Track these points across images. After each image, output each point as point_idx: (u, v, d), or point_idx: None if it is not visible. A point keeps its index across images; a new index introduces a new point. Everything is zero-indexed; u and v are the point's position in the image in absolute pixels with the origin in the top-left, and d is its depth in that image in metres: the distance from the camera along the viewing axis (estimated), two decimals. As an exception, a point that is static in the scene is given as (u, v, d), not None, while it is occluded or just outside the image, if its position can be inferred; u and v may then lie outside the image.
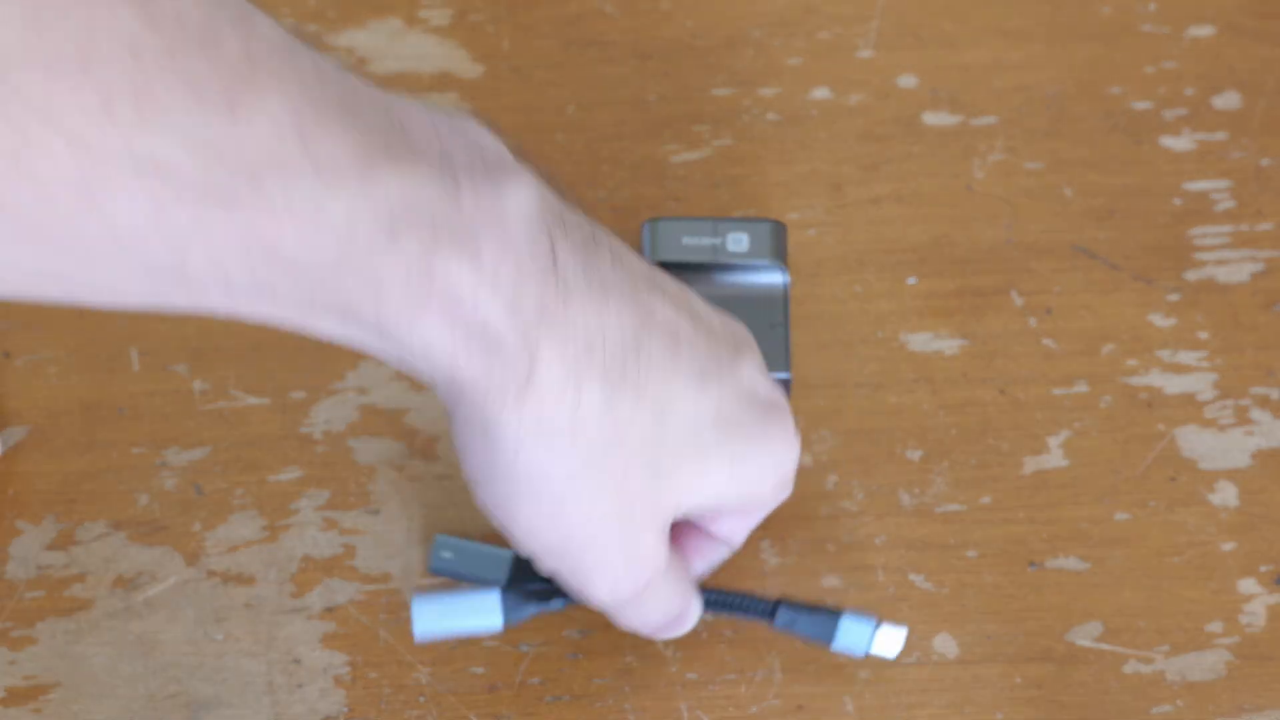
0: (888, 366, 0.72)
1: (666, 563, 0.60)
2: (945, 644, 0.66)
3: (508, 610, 0.63)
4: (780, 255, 0.70)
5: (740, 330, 0.61)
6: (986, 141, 0.77)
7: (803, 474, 0.69)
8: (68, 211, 0.45)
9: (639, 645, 0.66)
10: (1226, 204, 0.75)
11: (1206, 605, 0.67)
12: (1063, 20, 0.80)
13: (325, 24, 0.79)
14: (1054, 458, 0.70)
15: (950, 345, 0.72)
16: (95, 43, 0.43)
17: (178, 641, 0.66)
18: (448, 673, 0.66)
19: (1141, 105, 0.77)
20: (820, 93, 0.78)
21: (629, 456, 0.56)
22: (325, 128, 0.47)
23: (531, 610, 0.63)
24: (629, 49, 0.79)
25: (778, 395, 0.61)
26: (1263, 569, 0.68)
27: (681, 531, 0.63)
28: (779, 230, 0.71)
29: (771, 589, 0.67)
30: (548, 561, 0.58)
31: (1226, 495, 0.69)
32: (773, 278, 0.70)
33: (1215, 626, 0.66)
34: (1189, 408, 0.71)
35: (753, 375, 0.60)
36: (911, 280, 0.74)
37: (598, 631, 0.66)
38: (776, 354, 0.68)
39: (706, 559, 0.64)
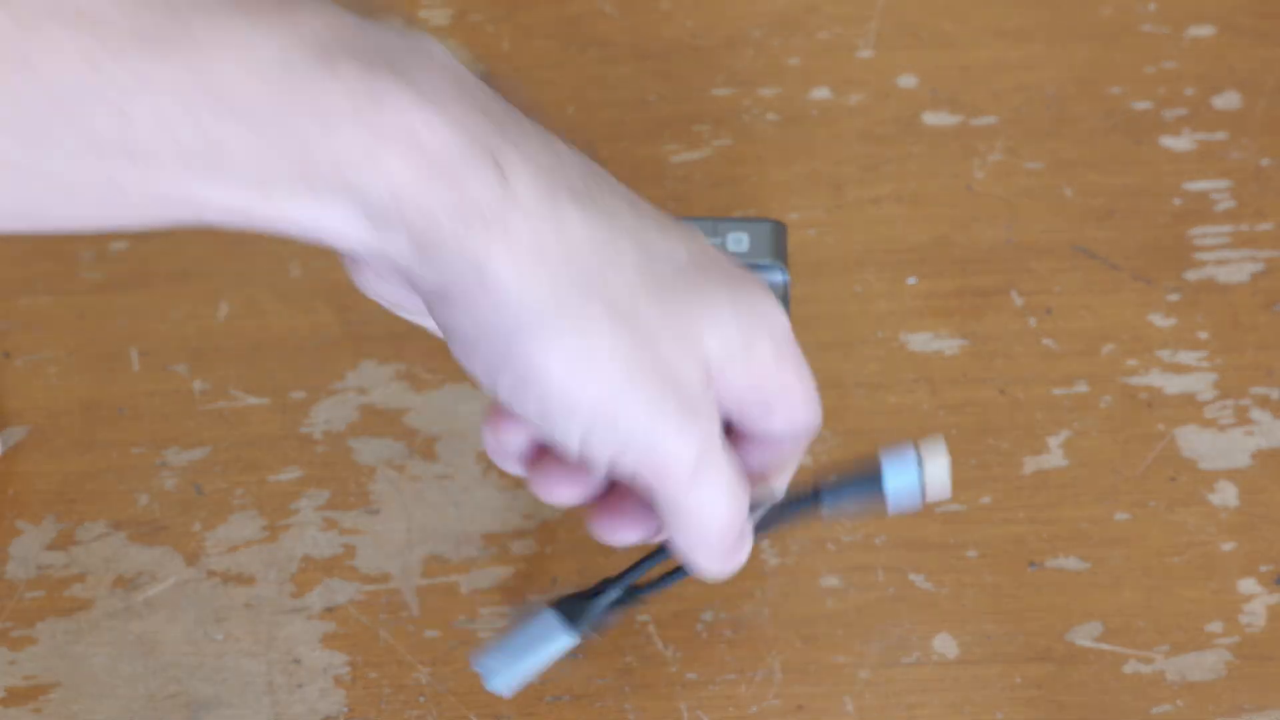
0: (888, 366, 0.72)
1: (720, 427, 0.55)
2: (945, 644, 0.66)
3: (571, 620, 0.58)
4: (780, 255, 0.70)
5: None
6: (986, 141, 0.77)
7: (803, 474, 0.69)
8: (6, 81, 0.45)
9: (639, 645, 0.66)
10: (1226, 204, 0.75)
11: (1206, 605, 0.67)
12: (1063, 20, 0.80)
13: (325, 24, 0.79)
14: (1054, 458, 0.70)
15: (950, 345, 0.72)
16: None
17: (178, 641, 0.66)
18: (448, 673, 0.66)
19: (1141, 105, 0.77)
20: (820, 93, 0.78)
21: (631, 284, 0.53)
22: None
23: (596, 611, 0.58)
24: (629, 49, 0.79)
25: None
26: (1263, 569, 0.68)
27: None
28: (779, 230, 0.71)
29: (771, 588, 0.67)
30: (591, 428, 0.52)
31: (1226, 495, 0.69)
32: (773, 278, 0.70)
33: (1215, 626, 0.66)
34: (1189, 408, 0.71)
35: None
36: (911, 280, 0.74)
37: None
38: (776, 354, 0.68)
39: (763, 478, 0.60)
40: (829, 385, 0.71)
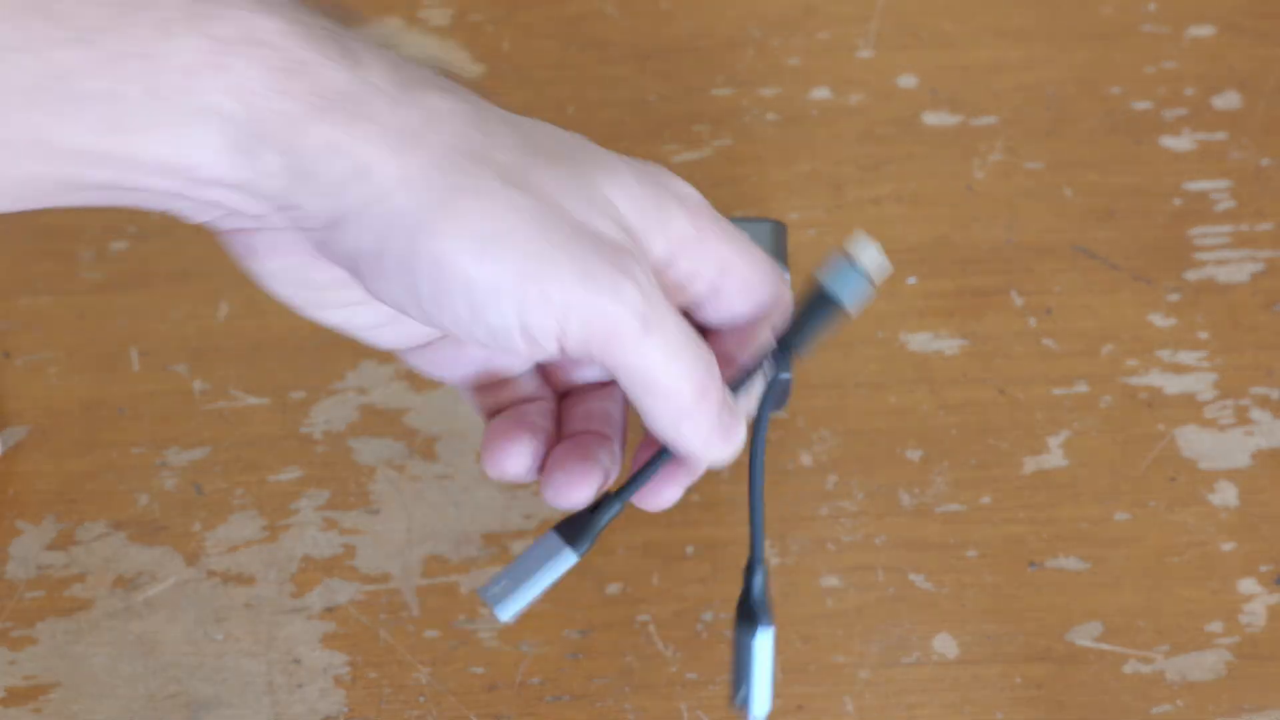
0: (888, 366, 0.72)
1: (656, 285, 0.52)
2: (945, 644, 0.66)
3: (570, 540, 0.56)
4: (780, 255, 0.70)
5: None
6: (986, 141, 0.77)
7: (803, 474, 0.69)
8: None
9: (639, 645, 0.66)
10: (1226, 204, 0.75)
11: (1206, 605, 0.67)
12: (1063, 20, 0.80)
13: (325, 24, 0.79)
14: (1054, 458, 0.70)
15: (950, 345, 0.72)
16: None
17: (178, 641, 0.66)
18: (448, 673, 0.66)
19: (1141, 105, 0.78)
20: (820, 93, 0.78)
21: (518, 157, 0.51)
22: None
23: (596, 524, 0.56)
24: (629, 49, 0.79)
25: None
26: (1263, 569, 0.68)
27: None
28: (779, 230, 0.71)
29: (771, 588, 0.67)
30: (524, 306, 0.50)
31: (1226, 495, 0.69)
32: (773, 278, 0.70)
33: (1215, 626, 0.66)
34: (1189, 408, 0.71)
35: None
36: (911, 280, 0.74)
37: (597, 631, 0.66)
38: (776, 354, 0.68)
39: (738, 342, 0.57)
40: (829, 385, 0.71)
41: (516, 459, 0.55)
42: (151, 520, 0.69)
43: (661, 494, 0.56)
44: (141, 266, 0.75)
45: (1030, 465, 0.70)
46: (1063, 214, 0.75)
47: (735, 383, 0.55)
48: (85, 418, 0.71)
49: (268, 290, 0.54)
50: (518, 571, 0.56)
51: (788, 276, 0.70)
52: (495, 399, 0.57)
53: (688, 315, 0.55)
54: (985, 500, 0.69)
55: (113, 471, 0.70)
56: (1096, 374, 0.72)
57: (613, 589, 0.67)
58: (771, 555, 0.68)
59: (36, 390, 0.71)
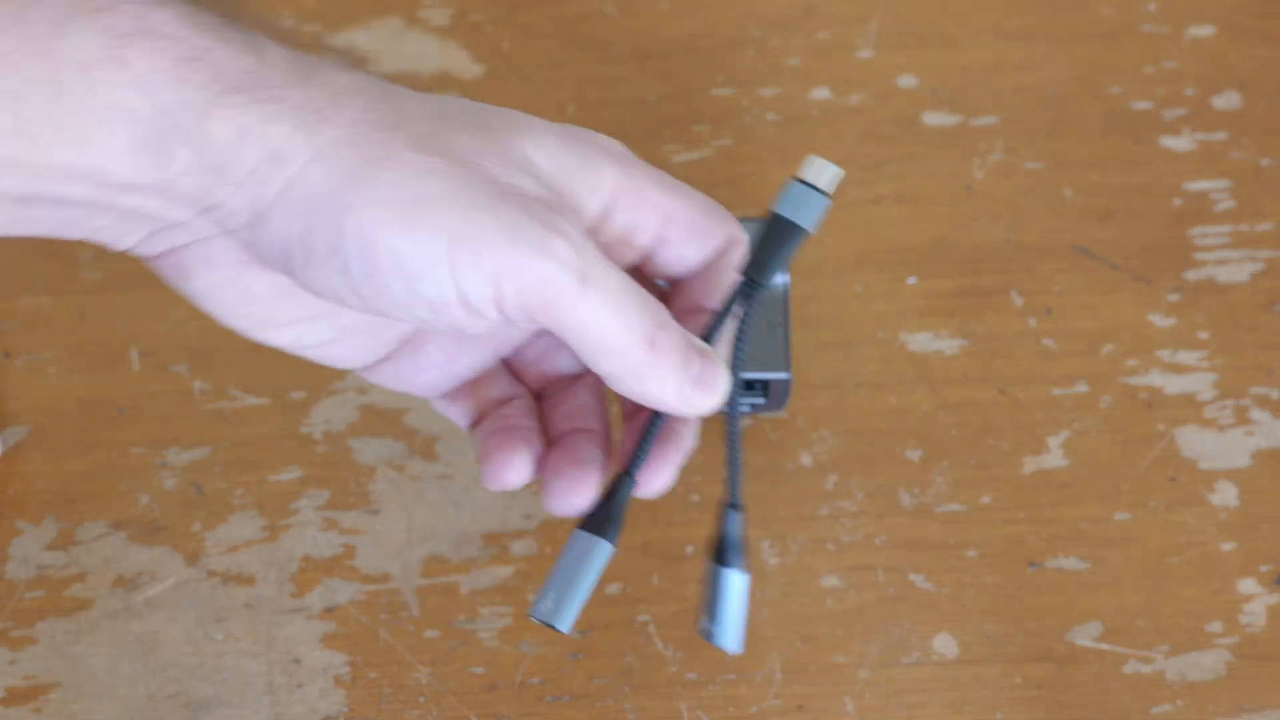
0: (888, 366, 0.72)
1: (589, 241, 0.51)
2: (945, 644, 0.66)
3: (600, 532, 0.55)
4: (780, 255, 0.70)
5: None
6: (986, 141, 0.77)
7: (802, 474, 0.69)
8: None
9: (639, 645, 0.66)
10: (1226, 204, 0.75)
11: (1206, 605, 0.67)
12: (1063, 20, 0.80)
13: (325, 24, 0.79)
14: (1054, 458, 0.70)
15: (950, 345, 0.72)
16: None
17: (178, 641, 0.66)
18: (448, 673, 0.66)
19: (1141, 105, 0.77)
20: (820, 93, 0.78)
21: (431, 126, 0.50)
22: None
23: (617, 509, 0.55)
24: (629, 49, 0.79)
25: None
26: (1263, 569, 0.68)
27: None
28: (779, 230, 0.71)
29: (771, 588, 0.67)
30: (458, 274, 0.49)
31: (1226, 495, 0.69)
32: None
33: (1215, 626, 0.66)
34: (1189, 408, 0.71)
35: None
36: (911, 280, 0.74)
37: (597, 631, 0.66)
38: (776, 354, 0.68)
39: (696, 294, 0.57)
40: (829, 385, 0.71)
41: (517, 471, 0.55)
42: (151, 520, 0.69)
43: (655, 480, 0.55)
44: (141, 266, 0.74)
45: (1030, 465, 0.70)
46: (1063, 214, 0.75)
47: (709, 328, 0.54)
48: (85, 418, 0.71)
49: (209, 313, 0.53)
50: (560, 580, 0.55)
51: (787, 278, 0.70)
52: (469, 404, 0.57)
53: (642, 273, 0.55)
54: (985, 500, 0.69)
55: (113, 471, 0.70)
56: (1096, 374, 0.72)
57: (613, 589, 0.67)
58: (771, 555, 0.68)
59: (36, 390, 0.71)
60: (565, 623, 0.54)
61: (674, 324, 0.52)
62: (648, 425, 0.54)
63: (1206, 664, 0.66)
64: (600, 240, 0.53)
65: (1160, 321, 0.73)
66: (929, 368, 0.72)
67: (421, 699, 0.65)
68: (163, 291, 0.75)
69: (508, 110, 0.52)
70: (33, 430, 0.71)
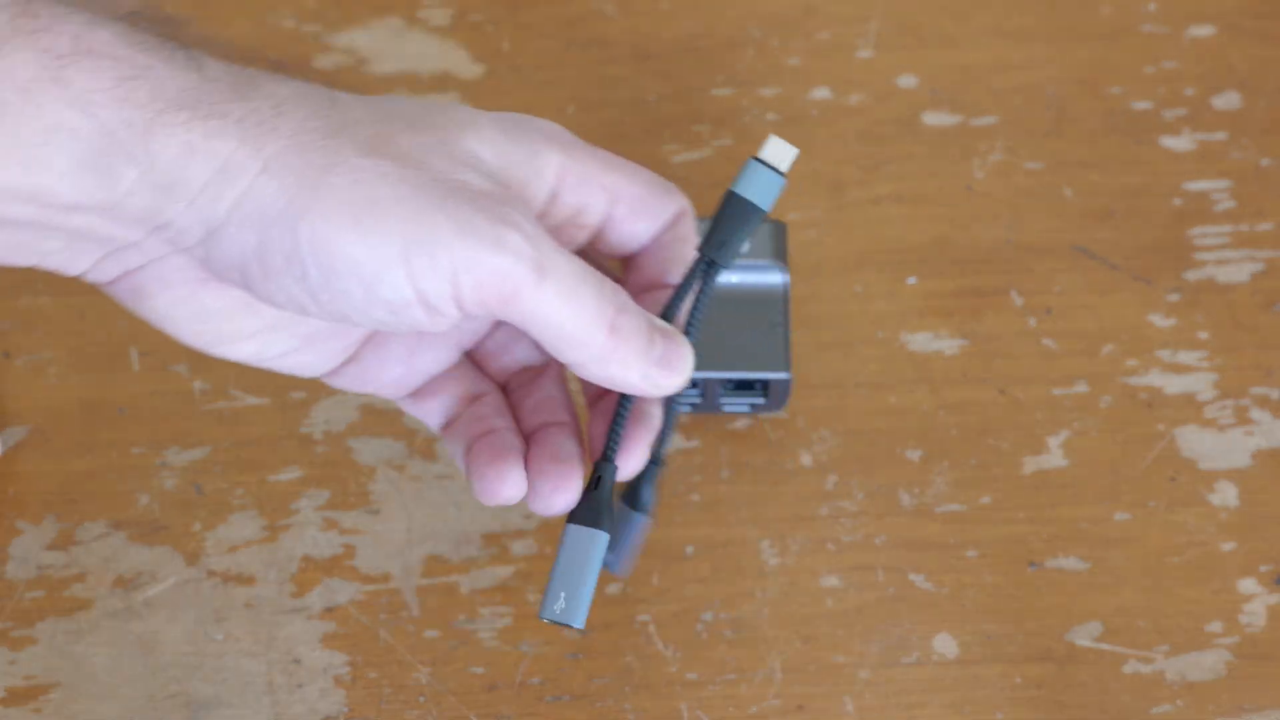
0: (888, 366, 0.72)
1: (541, 230, 0.51)
2: (945, 644, 0.66)
3: (592, 523, 0.55)
4: (780, 255, 0.70)
5: None
6: (986, 141, 0.77)
7: (803, 474, 0.69)
8: None
9: (639, 645, 0.66)
10: (1226, 204, 0.75)
11: (1206, 605, 0.67)
12: (1063, 20, 0.80)
13: (325, 24, 0.79)
14: (1054, 458, 0.70)
15: (950, 345, 0.72)
16: None
17: (178, 641, 0.66)
18: (448, 673, 0.66)
19: (1141, 105, 0.77)
20: (820, 93, 0.78)
21: (374, 129, 0.50)
22: None
23: (605, 498, 0.56)
24: (629, 49, 0.79)
25: None
26: (1263, 569, 0.68)
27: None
28: (779, 230, 0.71)
29: (771, 588, 0.67)
30: (415, 273, 0.49)
31: (1226, 495, 0.69)
32: (773, 278, 0.70)
33: (1215, 626, 0.66)
34: (1189, 408, 0.71)
35: None
36: (911, 280, 0.74)
37: (597, 631, 0.66)
38: (776, 354, 0.68)
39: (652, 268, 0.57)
40: (829, 385, 0.71)
41: (512, 485, 0.55)
42: (151, 520, 0.69)
43: (630, 462, 0.55)
44: (141, 266, 0.75)
45: (1030, 465, 0.70)
46: (1063, 214, 0.75)
47: (670, 306, 0.54)
48: (85, 418, 0.71)
49: (168, 332, 0.53)
50: (565, 578, 0.55)
51: (787, 277, 0.70)
52: (438, 401, 0.56)
53: (593, 252, 0.55)
54: (985, 500, 0.69)
55: (113, 471, 0.70)
56: (1096, 374, 0.72)
57: (613, 589, 0.67)
58: (771, 555, 0.68)
59: (36, 390, 0.71)
60: (579, 619, 0.54)
61: (634, 306, 0.52)
62: (618, 410, 0.55)
63: (1206, 664, 0.66)
64: (549, 224, 0.54)
65: (1160, 321, 0.73)
66: (929, 368, 0.72)
67: (421, 699, 0.65)
68: (163, 291, 0.75)
69: (448, 104, 0.53)
70: (33, 430, 0.71)
